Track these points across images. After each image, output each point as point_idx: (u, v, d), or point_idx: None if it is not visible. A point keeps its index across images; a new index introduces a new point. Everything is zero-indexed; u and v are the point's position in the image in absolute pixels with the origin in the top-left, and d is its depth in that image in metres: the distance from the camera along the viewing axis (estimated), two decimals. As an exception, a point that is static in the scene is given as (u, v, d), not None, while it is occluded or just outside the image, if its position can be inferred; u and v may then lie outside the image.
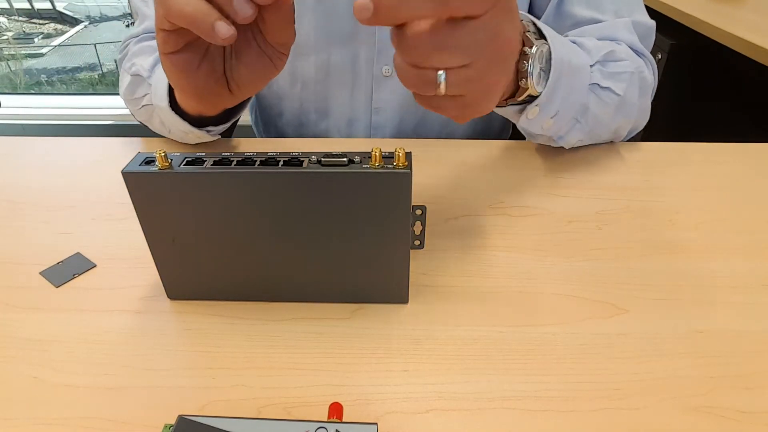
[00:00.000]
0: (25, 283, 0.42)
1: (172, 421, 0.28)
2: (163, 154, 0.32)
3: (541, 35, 0.43)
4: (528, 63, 0.40)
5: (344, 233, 0.35)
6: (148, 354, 0.36)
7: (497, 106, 0.46)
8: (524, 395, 0.33)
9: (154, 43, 0.58)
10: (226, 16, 0.31)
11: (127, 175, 0.33)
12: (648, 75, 0.56)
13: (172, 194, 0.34)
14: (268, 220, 0.35)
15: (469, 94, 0.33)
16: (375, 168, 0.32)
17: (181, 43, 0.35)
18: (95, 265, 0.43)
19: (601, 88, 0.51)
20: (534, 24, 0.43)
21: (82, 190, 0.53)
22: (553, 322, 0.38)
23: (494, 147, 0.59)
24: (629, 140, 0.61)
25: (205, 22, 0.30)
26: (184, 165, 0.33)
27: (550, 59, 0.43)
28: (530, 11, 0.62)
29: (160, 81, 0.52)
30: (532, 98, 0.45)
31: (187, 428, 0.28)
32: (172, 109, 0.51)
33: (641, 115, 0.58)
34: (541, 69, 0.43)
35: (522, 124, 0.49)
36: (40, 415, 0.32)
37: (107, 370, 0.35)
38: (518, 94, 0.43)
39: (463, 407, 0.32)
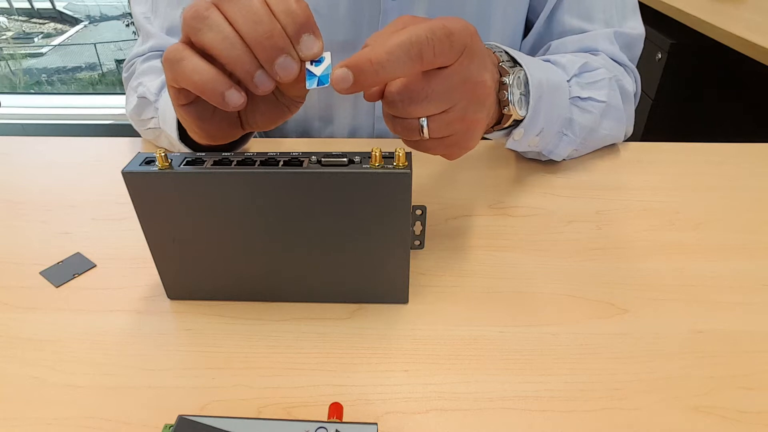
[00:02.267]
0: (25, 283, 0.42)
1: (172, 421, 0.28)
2: (163, 154, 0.32)
3: (516, 62, 0.44)
4: (507, 92, 0.42)
5: (344, 233, 0.35)
6: (148, 354, 0.36)
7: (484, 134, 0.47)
8: (524, 395, 0.33)
9: (160, 63, 0.57)
10: (239, 82, 0.30)
11: (127, 175, 0.33)
12: (627, 83, 0.57)
13: (172, 194, 0.34)
14: (268, 220, 0.35)
15: (452, 135, 0.35)
16: (375, 168, 0.32)
17: (192, 96, 0.34)
18: (95, 265, 0.43)
19: (582, 99, 0.52)
20: (507, 53, 0.44)
21: (82, 190, 0.53)
22: (553, 322, 0.38)
23: (494, 147, 0.59)
24: (631, 141, 0.61)
25: (216, 92, 0.30)
26: (184, 165, 0.33)
27: (528, 83, 0.44)
28: (528, 14, 0.63)
29: (168, 109, 0.49)
30: (517, 122, 0.46)
31: (187, 428, 0.28)
32: (182, 141, 0.49)
33: (629, 122, 0.58)
34: (521, 94, 0.44)
35: (509, 145, 0.50)
36: (40, 415, 0.32)
37: (107, 370, 0.35)
38: (504, 121, 0.44)
39: (463, 407, 0.32)
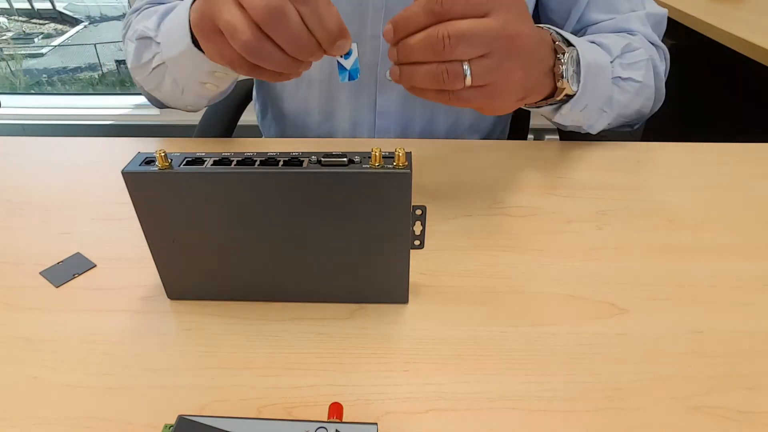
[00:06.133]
0: (25, 283, 0.42)
1: (172, 421, 0.28)
2: (163, 154, 0.32)
3: (569, 43, 0.49)
4: (562, 67, 0.46)
5: (344, 233, 0.35)
6: (148, 354, 0.36)
7: (536, 106, 0.52)
8: (524, 395, 0.33)
9: (156, 8, 0.57)
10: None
11: (127, 175, 0.33)
12: (659, 63, 0.62)
13: (172, 194, 0.34)
14: (268, 220, 0.35)
15: (491, 84, 0.38)
16: (375, 168, 0.32)
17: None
18: (95, 265, 0.43)
19: (623, 79, 0.57)
20: (560, 34, 0.48)
21: (82, 190, 0.53)
22: (553, 322, 0.38)
23: (494, 147, 0.59)
24: (630, 141, 0.61)
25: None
26: (184, 165, 0.33)
27: (579, 62, 0.49)
28: (538, 10, 0.66)
29: (174, 29, 0.50)
30: (568, 97, 0.50)
31: (187, 428, 0.28)
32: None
33: (658, 97, 0.64)
34: (573, 71, 0.48)
35: (556, 119, 0.54)
36: (40, 415, 0.32)
37: (107, 370, 0.35)
38: (557, 94, 0.49)
39: (463, 407, 0.32)
